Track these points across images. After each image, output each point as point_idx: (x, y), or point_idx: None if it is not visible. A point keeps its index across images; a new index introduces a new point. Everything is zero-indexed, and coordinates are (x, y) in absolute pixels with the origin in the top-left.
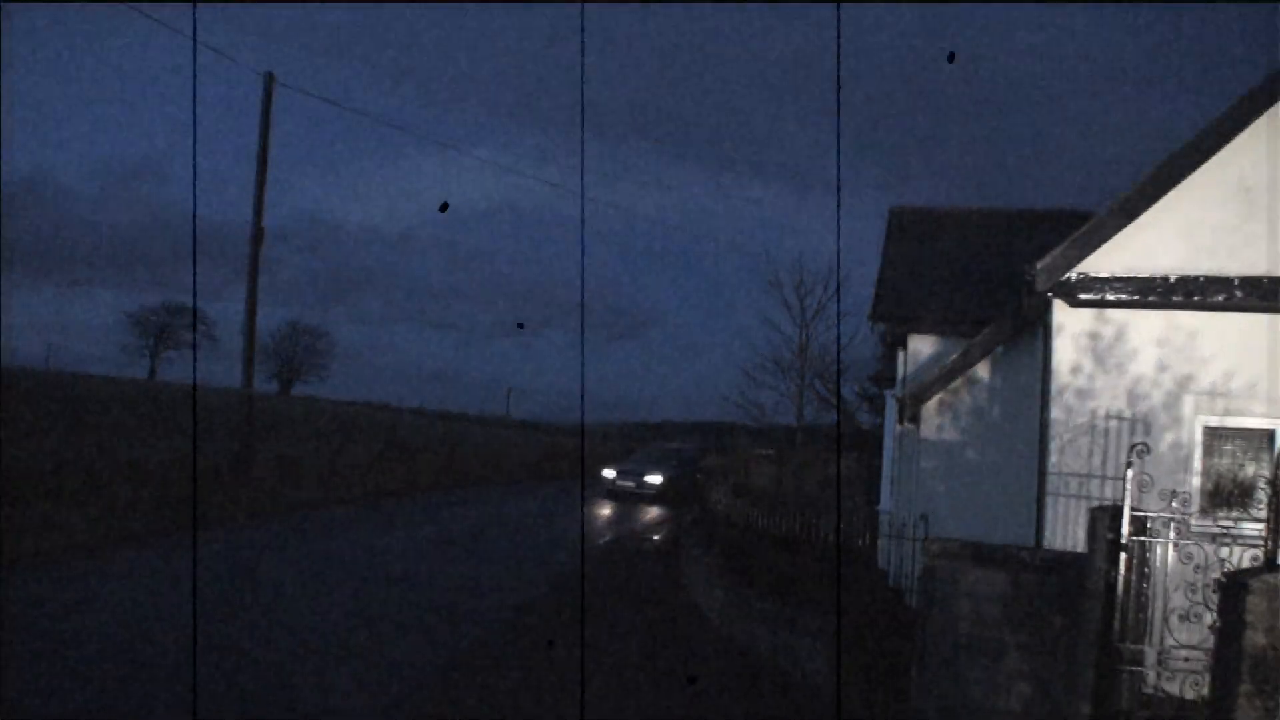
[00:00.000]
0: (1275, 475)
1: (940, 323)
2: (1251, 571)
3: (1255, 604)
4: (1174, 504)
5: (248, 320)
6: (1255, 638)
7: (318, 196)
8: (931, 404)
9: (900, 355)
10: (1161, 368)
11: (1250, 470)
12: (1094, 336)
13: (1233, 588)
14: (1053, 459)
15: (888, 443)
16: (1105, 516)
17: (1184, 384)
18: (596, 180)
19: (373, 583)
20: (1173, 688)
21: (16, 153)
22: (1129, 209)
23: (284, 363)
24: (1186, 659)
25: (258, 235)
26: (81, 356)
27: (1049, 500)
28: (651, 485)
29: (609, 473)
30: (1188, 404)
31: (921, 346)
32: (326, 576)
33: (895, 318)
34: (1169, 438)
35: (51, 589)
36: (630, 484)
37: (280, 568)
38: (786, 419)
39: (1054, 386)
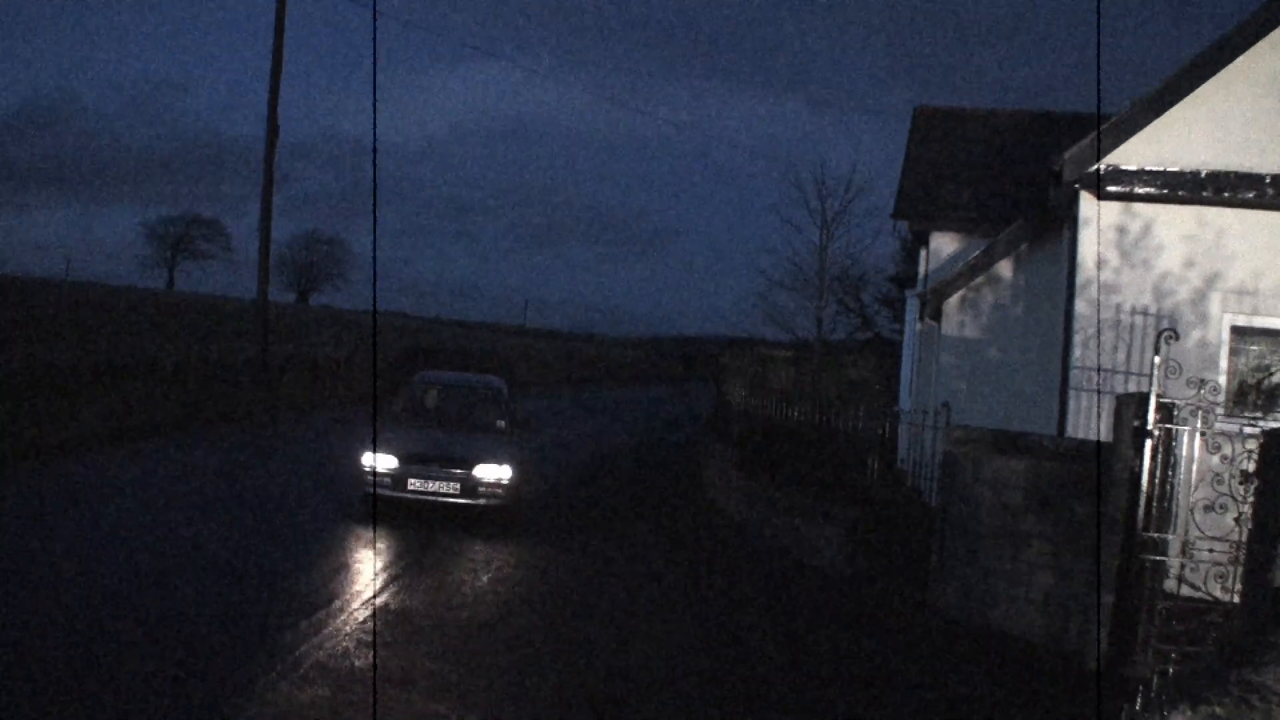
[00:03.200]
0: None
1: (963, 220)
2: None
3: None
4: (1202, 392)
5: (263, 216)
6: None
7: (339, 112)
8: (953, 300)
9: (922, 254)
10: (1189, 264)
11: (1278, 372)
12: (1121, 230)
13: (1273, 440)
14: (1075, 353)
15: (908, 343)
16: (1132, 403)
17: (1211, 281)
18: (619, 94)
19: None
20: (1197, 579)
21: (43, 75)
22: (1159, 102)
23: (301, 272)
24: (1211, 550)
25: (272, 131)
26: (101, 270)
27: (1071, 394)
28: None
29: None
30: (1215, 302)
31: (943, 245)
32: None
33: (917, 215)
34: (1195, 336)
35: (57, 481)
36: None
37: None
38: (807, 331)
39: (1079, 280)
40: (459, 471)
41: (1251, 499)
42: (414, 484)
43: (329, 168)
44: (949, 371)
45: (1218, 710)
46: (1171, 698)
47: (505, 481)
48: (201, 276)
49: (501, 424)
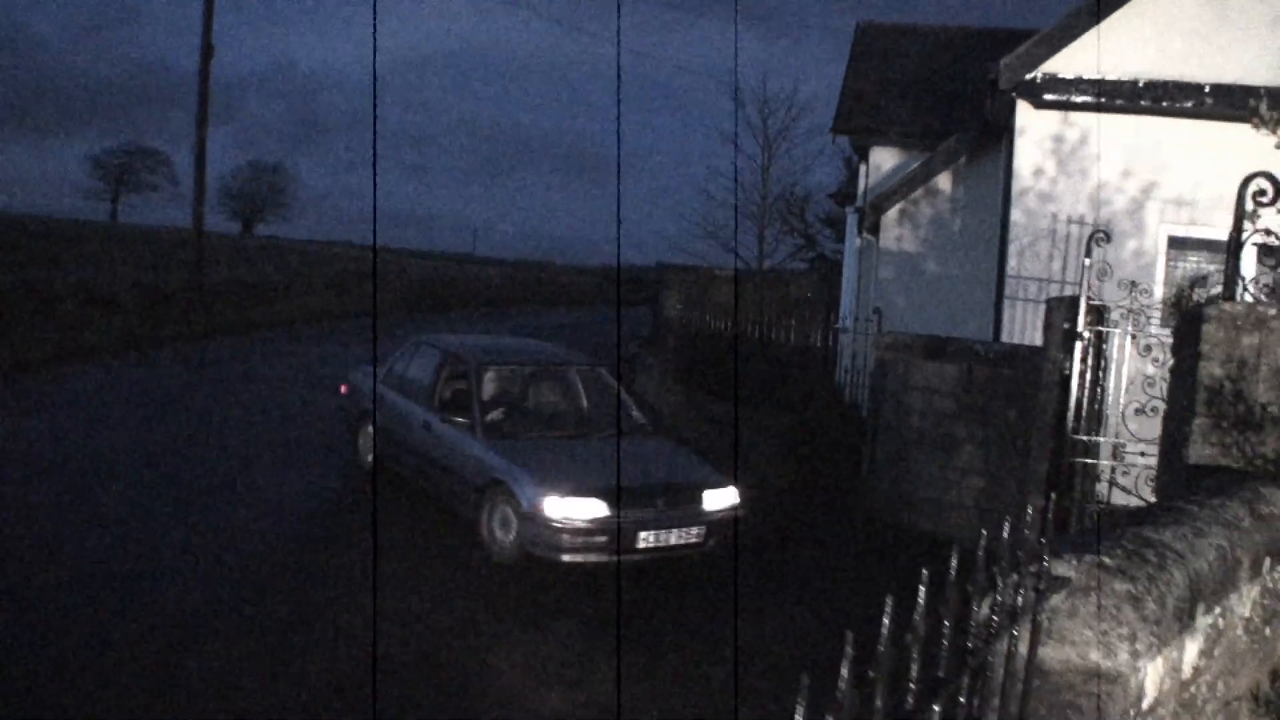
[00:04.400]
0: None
1: (903, 135)
2: (1209, 300)
3: (1211, 333)
4: (1134, 294)
5: (198, 138)
6: (1210, 369)
7: (290, 43)
8: (891, 214)
9: (862, 169)
10: (1126, 174)
11: (1214, 282)
12: (1058, 139)
13: (1190, 318)
14: (1011, 262)
15: (848, 259)
16: (1062, 306)
17: (1149, 191)
18: (569, 20)
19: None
20: (1128, 482)
21: None
22: (1097, 9)
23: (245, 202)
24: (1143, 454)
25: (207, 50)
26: (45, 203)
27: (1006, 304)
28: None
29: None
30: (1152, 212)
31: (884, 160)
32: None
33: (857, 129)
34: (1132, 245)
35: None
36: None
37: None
38: (750, 252)
39: (1015, 189)
40: (693, 506)
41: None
42: (646, 539)
43: (280, 100)
44: (888, 285)
45: (1106, 560)
46: (1054, 552)
47: (734, 506)
48: (145, 208)
49: (640, 418)
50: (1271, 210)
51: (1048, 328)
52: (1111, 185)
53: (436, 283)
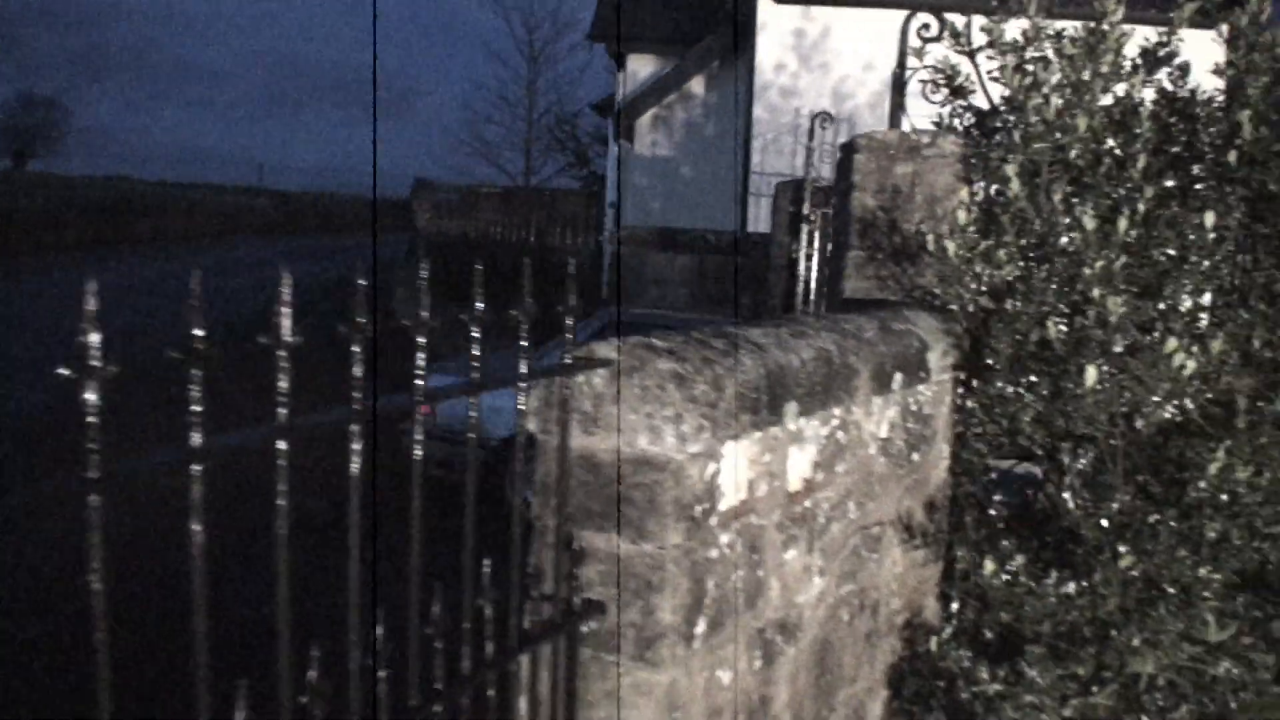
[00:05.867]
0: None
1: (659, 41)
2: (864, 135)
3: (863, 163)
4: None
5: None
6: (863, 199)
7: None
8: (645, 119)
9: (619, 77)
10: (868, 67)
11: None
12: (799, 34)
13: (845, 150)
14: (755, 158)
15: (610, 169)
16: (788, 190)
17: (890, 84)
18: None
19: None
20: None
21: None
22: None
23: (17, 136)
24: None
25: None
26: None
27: (751, 200)
28: None
29: None
30: (893, 102)
31: (641, 66)
32: None
33: (614, 36)
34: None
35: None
36: None
37: None
38: (516, 168)
39: (757, 84)
40: None
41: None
42: None
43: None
44: (644, 191)
45: (656, 341)
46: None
47: None
48: None
49: None
50: (940, 46)
51: (775, 211)
52: (854, 79)
53: (198, 212)
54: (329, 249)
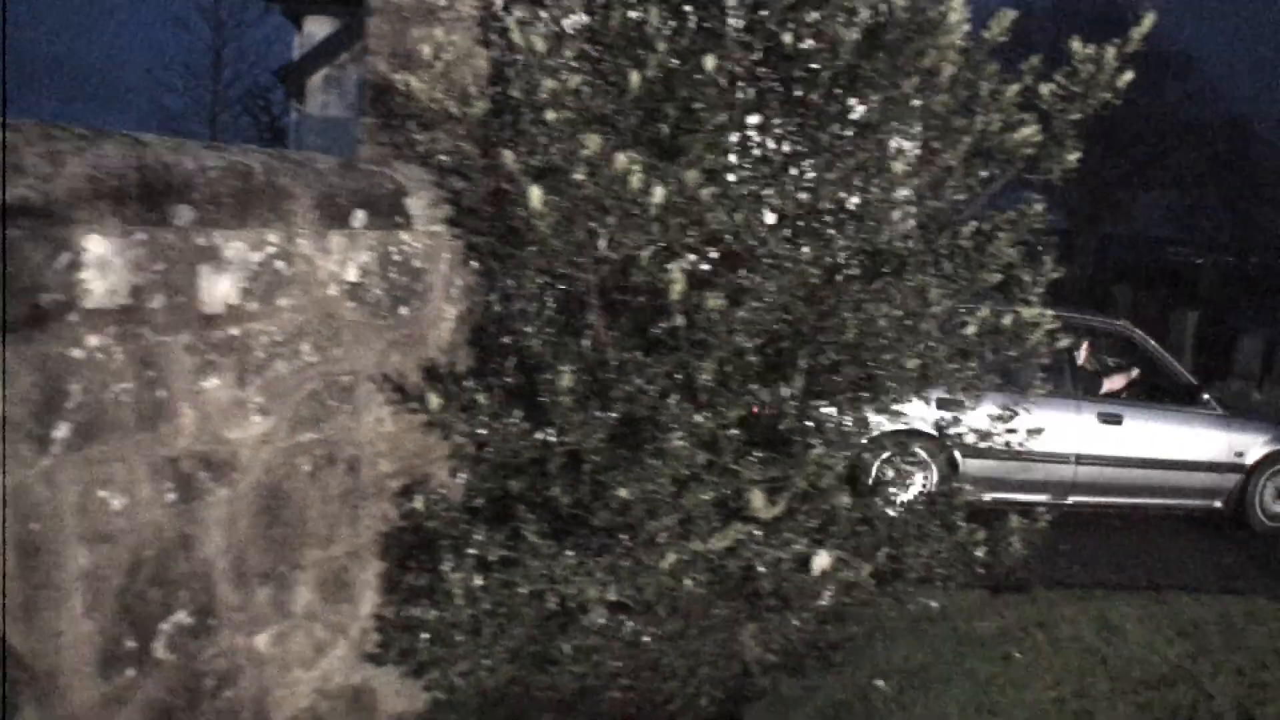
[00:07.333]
0: None
1: (335, 1)
2: None
3: (377, 26)
4: None
5: None
6: (377, 65)
7: None
8: (316, 80)
9: (296, 40)
10: None
11: None
12: None
13: (363, 15)
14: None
15: (291, 134)
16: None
17: None
18: None
19: None
20: None
21: None
22: None
23: None
24: None
25: None
26: None
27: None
28: None
29: None
30: None
31: (318, 29)
32: None
33: None
34: None
35: None
36: None
37: None
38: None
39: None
40: None
41: None
42: None
43: None
44: (315, 151)
45: None
46: None
47: None
48: None
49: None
50: None
51: None
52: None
53: None
54: None
